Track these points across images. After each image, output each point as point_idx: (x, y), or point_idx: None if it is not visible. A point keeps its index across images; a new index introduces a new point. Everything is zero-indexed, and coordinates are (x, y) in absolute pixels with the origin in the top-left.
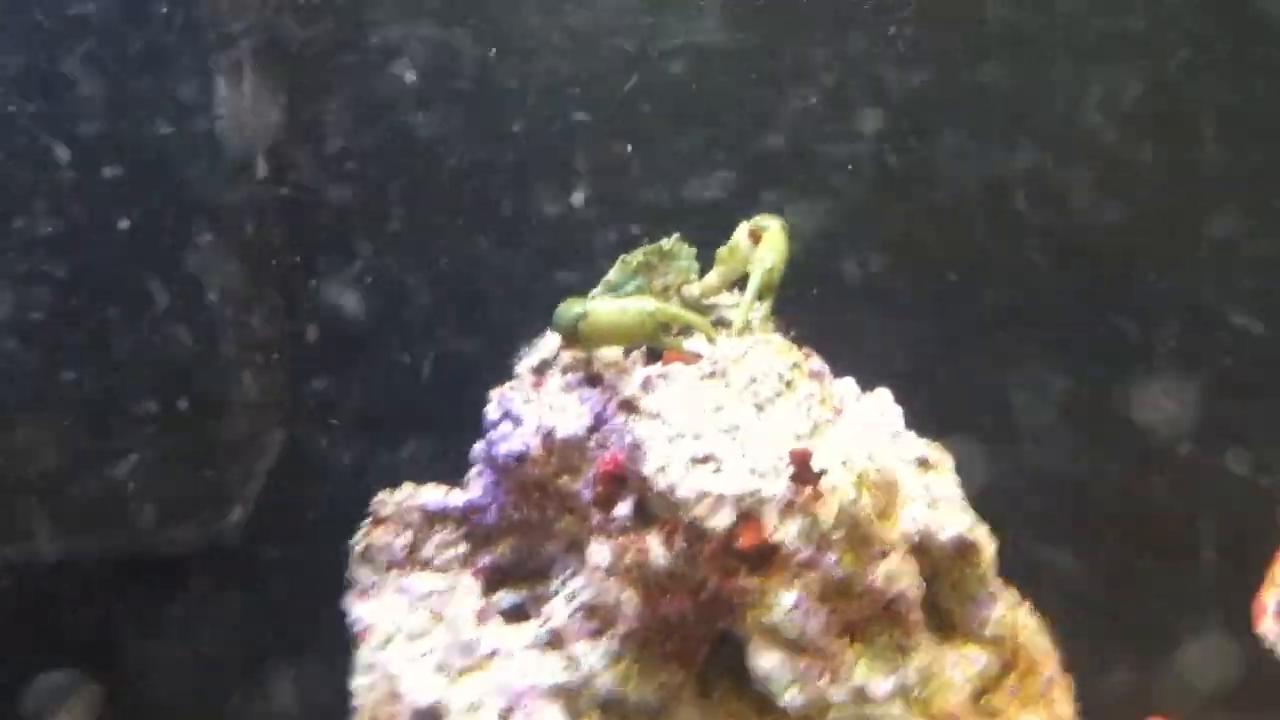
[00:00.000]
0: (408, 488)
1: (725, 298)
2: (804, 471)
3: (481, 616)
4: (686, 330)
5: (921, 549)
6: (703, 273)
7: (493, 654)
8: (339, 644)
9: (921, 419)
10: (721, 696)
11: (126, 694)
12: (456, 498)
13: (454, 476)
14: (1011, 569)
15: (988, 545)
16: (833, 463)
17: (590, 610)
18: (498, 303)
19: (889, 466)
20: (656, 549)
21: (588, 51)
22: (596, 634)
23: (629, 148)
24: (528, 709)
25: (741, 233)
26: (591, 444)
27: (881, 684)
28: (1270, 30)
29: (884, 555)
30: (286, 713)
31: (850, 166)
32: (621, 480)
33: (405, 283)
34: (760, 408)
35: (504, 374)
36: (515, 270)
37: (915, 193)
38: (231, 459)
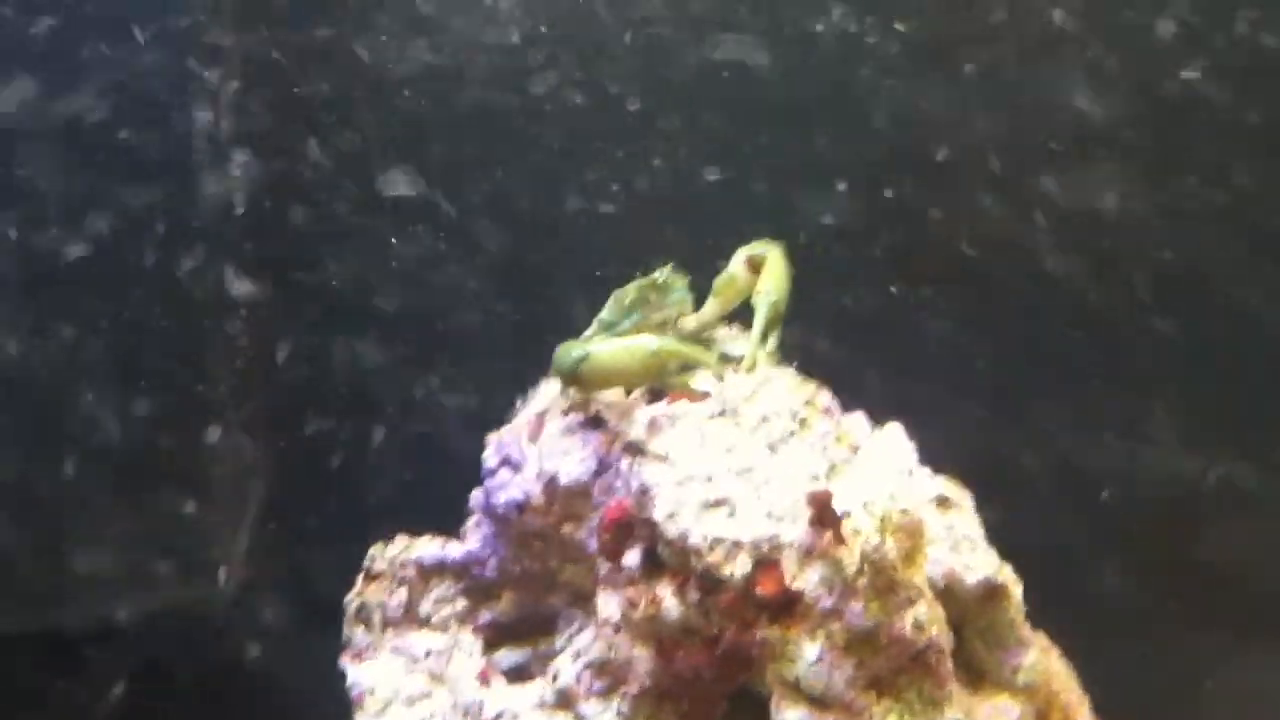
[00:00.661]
0: (402, 540)
1: (725, 330)
2: (824, 515)
3: (484, 677)
4: (690, 367)
5: (947, 594)
6: (698, 303)
7: (497, 717)
8: (335, 710)
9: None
10: None
11: None
12: (454, 550)
13: (451, 526)
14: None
15: (1015, 587)
16: (854, 505)
17: (600, 667)
18: (493, 343)
19: (912, 507)
20: (669, 600)
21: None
22: (607, 693)
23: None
24: None
25: (738, 261)
26: (596, 490)
27: None
28: None
29: (911, 602)
30: None
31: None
32: (629, 528)
33: (387, 324)
34: (774, 448)
35: (501, 420)
36: (510, 310)
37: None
38: (211, 520)
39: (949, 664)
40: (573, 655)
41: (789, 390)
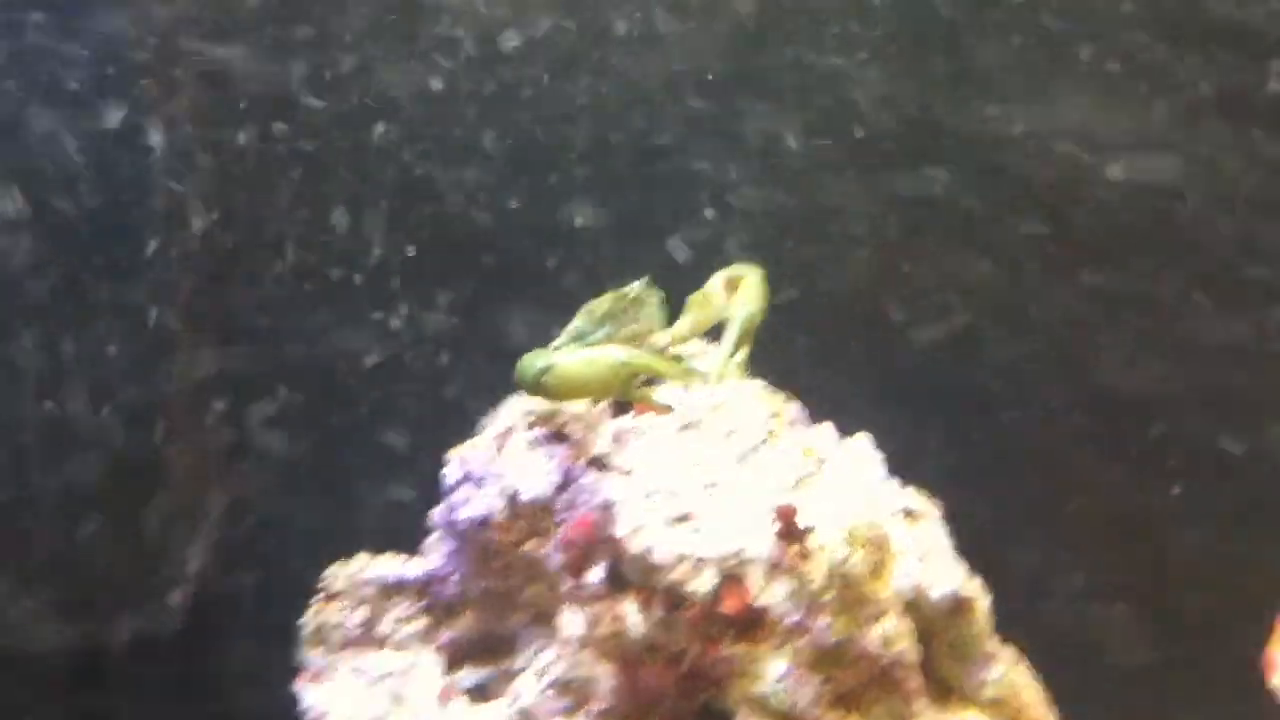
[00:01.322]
0: (361, 558)
1: (695, 346)
2: (790, 529)
3: (445, 697)
4: (657, 380)
5: (915, 607)
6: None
7: None
8: None
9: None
10: None
11: None
12: (414, 568)
13: (411, 544)
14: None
15: (983, 600)
16: (821, 518)
17: (563, 686)
18: (458, 355)
19: (879, 521)
20: (633, 617)
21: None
22: (570, 712)
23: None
24: None
25: (716, 281)
26: (559, 505)
27: None
28: None
29: (878, 616)
30: None
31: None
32: (592, 544)
33: (352, 331)
34: (740, 460)
35: (465, 432)
36: (480, 319)
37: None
38: (165, 539)
39: (918, 679)
40: (536, 674)
41: (756, 403)
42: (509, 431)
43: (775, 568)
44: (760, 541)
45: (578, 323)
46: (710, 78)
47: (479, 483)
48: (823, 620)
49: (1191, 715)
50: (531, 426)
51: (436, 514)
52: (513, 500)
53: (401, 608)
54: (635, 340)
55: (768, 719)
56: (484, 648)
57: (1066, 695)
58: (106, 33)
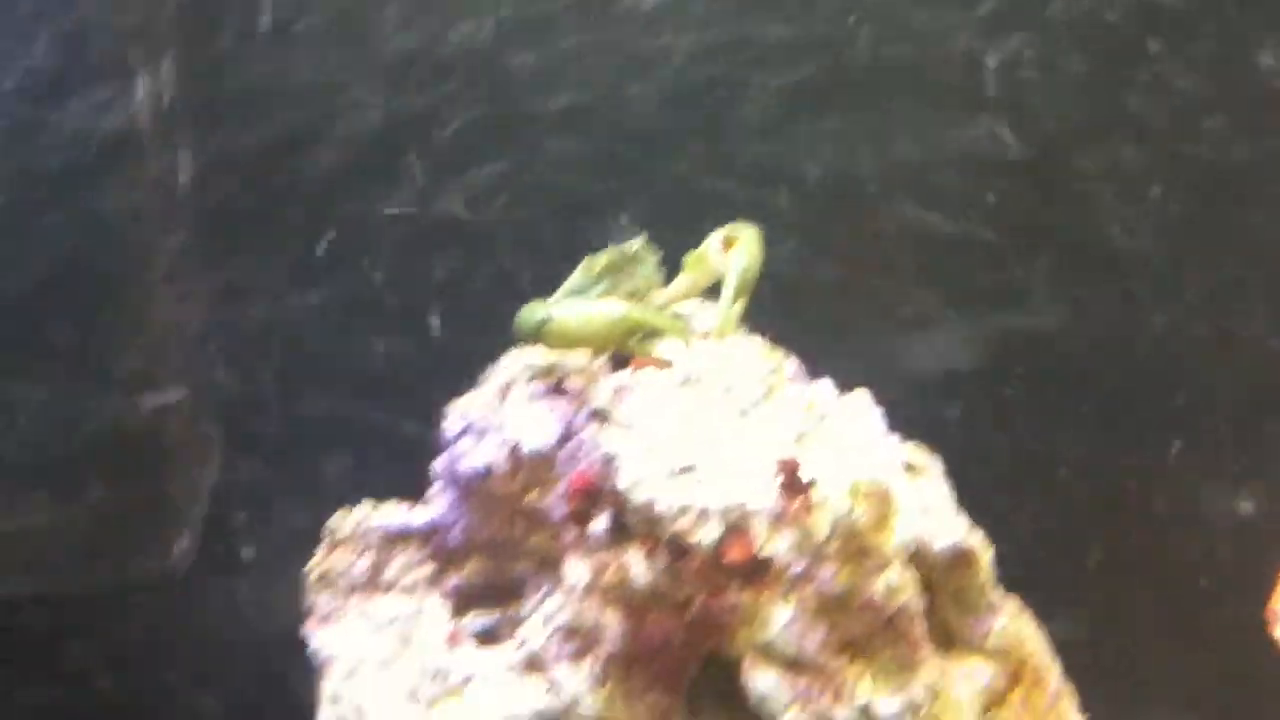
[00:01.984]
0: (364, 506)
1: (692, 305)
2: (793, 481)
3: (453, 640)
4: (656, 335)
5: (918, 559)
6: (667, 279)
7: (467, 680)
8: (300, 678)
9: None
10: None
11: None
12: (418, 516)
13: (414, 491)
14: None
15: (985, 552)
16: (823, 472)
17: (569, 632)
18: (455, 307)
19: (881, 474)
20: (637, 566)
21: None
22: (578, 656)
23: None
24: None
25: (713, 240)
26: (560, 458)
27: (888, 702)
28: None
29: (882, 568)
30: None
31: None
32: (595, 496)
33: (348, 286)
34: (741, 415)
35: (465, 385)
36: (474, 276)
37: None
38: (173, 482)
39: (921, 628)
40: (542, 620)
41: (756, 358)
42: (509, 384)
43: (779, 519)
44: (763, 494)
45: (576, 277)
46: None
47: (480, 434)
48: (827, 570)
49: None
50: (532, 380)
51: (439, 464)
52: (514, 452)
53: (407, 555)
54: (633, 297)
55: (773, 665)
56: (489, 594)
57: None
58: None
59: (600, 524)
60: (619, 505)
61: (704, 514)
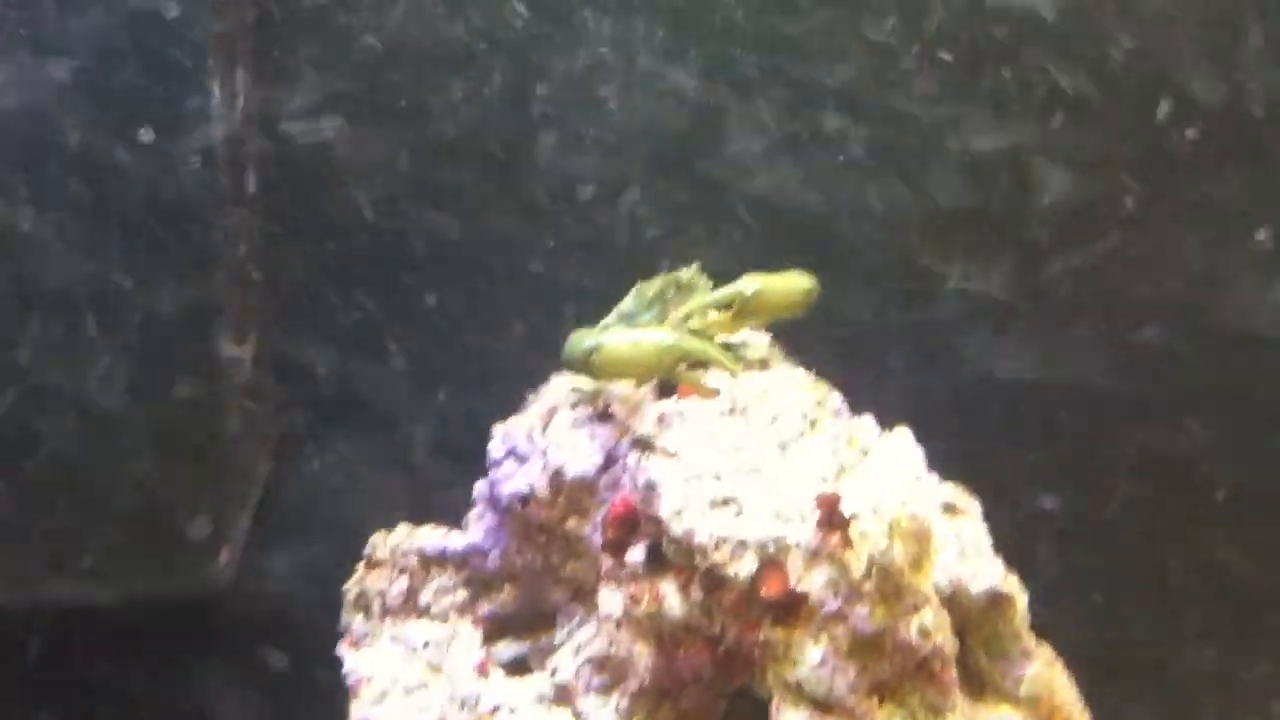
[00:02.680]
0: (403, 528)
1: (742, 335)
2: (832, 517)
3: (482, 669)
4: (704, 364)
5: (953, 601)
6: None
7: (495, 710)
8: (332, 695)
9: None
10: None
11: None
12: (456, 540)
13: (454, 515)
14: None
15: (1020, 597)
16: (862, 508)
17: (600, 663)
18: (507, 325)
19: (922, 513)
20: (672, 598)
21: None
22: (607, 689)
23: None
24: None
25: (769, 277)
26: (602, 485)
27: None
28: None
29: (917, 608)
30: None
31: None
32: (634, 524)
33: (401, 302)
34: (783, 447)
35: (510, 408)
36: (528, 294)
37: None
38: (216, 496)
39: (953, 672)
40: (573, 650)
41: (800, 390)
42: (554, 409)
43: (816, 555)
44: (802, 528)
45: (628, 302)
46: None
47: (523, 458)
48: (861, 609)
49: None
50: (576, 405)
51: (479, 487)
52: (556, 477)
53: (442, 579)
54: (683, 325)
55: (803, 704)
56: (522, 622)
57: None
58: None
59: (637, 553)
60: (657, 534)
61: (742, 546)
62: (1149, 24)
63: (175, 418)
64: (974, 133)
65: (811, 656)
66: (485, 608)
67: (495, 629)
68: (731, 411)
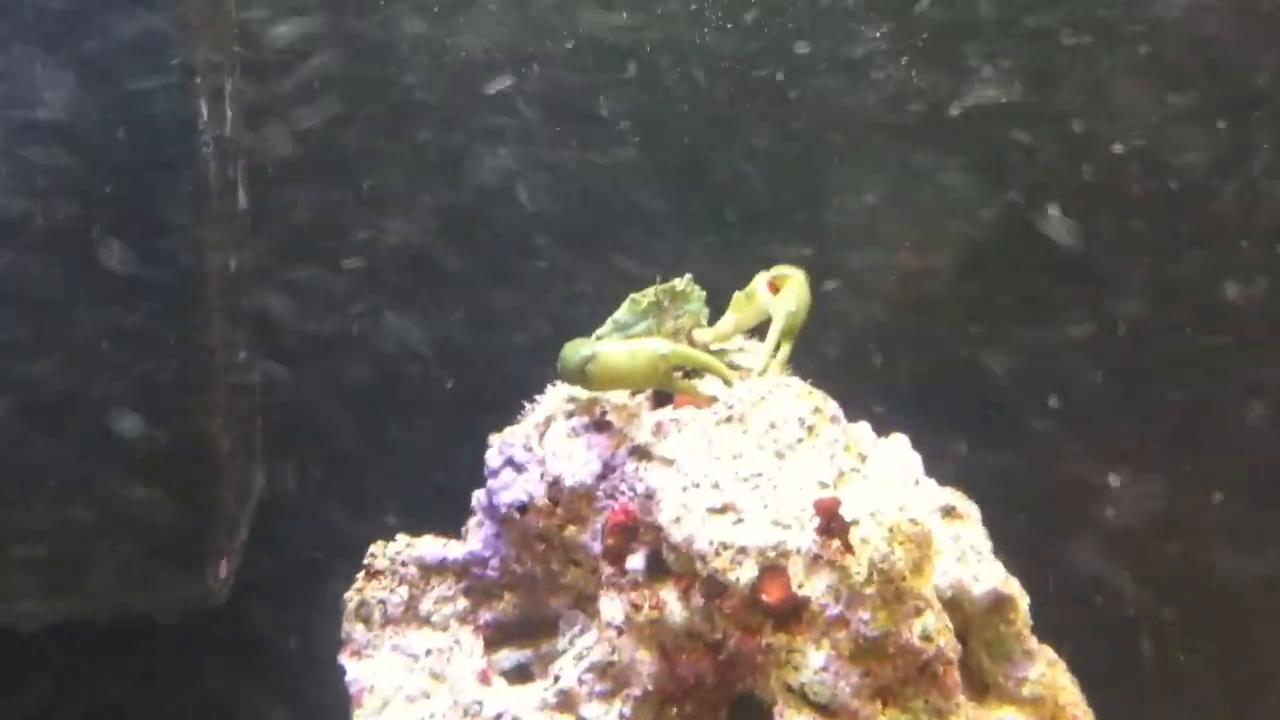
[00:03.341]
0: (403, 538)
1: (738, 343)
2: (832, 522)
3: (484, 677)
4: (698, 373)
5: (954, 605)
6: (713, 318)
7: (498, 717)
8: (334, 706)
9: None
10: None
11: None
12: (455, 550)
13: (452, 524)
14: None
15: (1022, 599)
16: (862, 513)
17: (602, 670)
18: (500, 336)
19: (921, 518)
20: (673, 604)
21: None
22: (609, 695)
23: None
24: None
25: (760, 281)
26: (600, 493)
27: None
28: None
29: (919, 612)
30: None
31: None
32: (633, 532)
33: (393, 310)
34: (781, 455)
35: (507, 418)
36: (522, 304)
37: None
38: (210, 510)
39: (956, 675)
40: (575, 657)
41: (797, 398)
42: (550, 418)
43: (816, 560)
44: (802, 534)
45: (622, 312)
46: None
47: (520, 468)
48: (863, 613)
49: None
50: (572, 415)
51: (478, 497)
52: (554, 486)
53: (442, 588)
54: (677, 334)
55: (806, 709)
56: (523, 630)
57: None
58: None
59: (637, 560)
60: (657, 541)
61: (742, 552)
62: None
63: (168, 434)
64: None
65: (814, 661)
66: (486, 616)
67: (496, 637)
68: (729, 419)
